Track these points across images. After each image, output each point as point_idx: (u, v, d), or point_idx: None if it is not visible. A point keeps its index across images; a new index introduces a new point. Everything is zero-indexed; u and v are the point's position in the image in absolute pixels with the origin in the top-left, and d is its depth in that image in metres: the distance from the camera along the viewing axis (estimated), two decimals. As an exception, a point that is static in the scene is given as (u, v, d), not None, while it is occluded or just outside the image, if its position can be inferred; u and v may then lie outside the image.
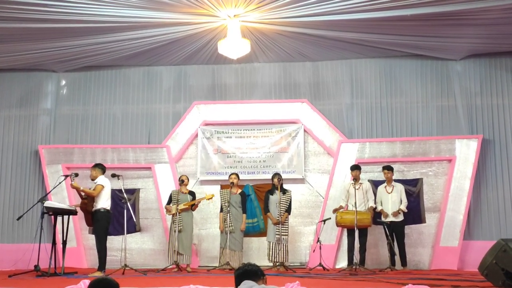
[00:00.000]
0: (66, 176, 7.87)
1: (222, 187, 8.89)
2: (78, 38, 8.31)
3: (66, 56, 9.05)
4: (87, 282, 4.84)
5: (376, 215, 8.32)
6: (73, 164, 9.24)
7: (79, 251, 9.02)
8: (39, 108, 9.77)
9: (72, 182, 7.33)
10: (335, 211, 8.18)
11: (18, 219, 7.66)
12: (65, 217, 7.53)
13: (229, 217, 8.08)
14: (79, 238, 9.07)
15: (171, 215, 8.17)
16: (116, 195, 8.29)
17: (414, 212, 8.66)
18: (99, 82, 9.85)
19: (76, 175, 7.47)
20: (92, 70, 9.81)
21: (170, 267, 8.02)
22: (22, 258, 7.95)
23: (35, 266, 7.08)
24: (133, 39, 8.46)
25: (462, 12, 7.36)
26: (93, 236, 7.78)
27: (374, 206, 8.28)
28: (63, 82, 9.88)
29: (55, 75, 9.85)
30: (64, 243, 7.46)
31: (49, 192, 8.45)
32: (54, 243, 7.27)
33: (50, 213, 7.41)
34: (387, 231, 8.08)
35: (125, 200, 7.50)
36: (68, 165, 9.25)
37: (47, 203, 7.33)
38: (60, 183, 8.06)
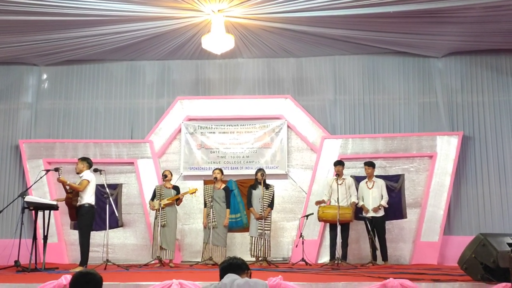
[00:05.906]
0: (47, 170, 7.80)
1: (206, 182, 8.86)
2: (59, 32, 8.20)
3: (48, 49, 8.93)
4: (68, 277, 4.80)
5: (358, 211, 8.40)
6: (55, 159, 9.14)
7: (60, 246, 8.93)
8: (20, 102, 9.63)
9: (60, 176, 7.24)
10: (317, 203, 8.25)
11: (-2, 214, 7.58)
12: (46, 212, 7.46)
13: (212, 212, 8.06)
14: (60, 234, 8.98)
15: (155, 210, 8.14)
16: (98, 190, 8.18)
17: (396, 207, 8.76)
18: (81, 76, 9.74)
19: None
20: (74, 64, 9.69)
21: (153, 262, 7.99)
22: (2, 253, 7.79)
23: (15, 262, 7.02)
24: (116, 33, 8.38)
25: (443, 10, 7.45)
26: (74, 232, 7.73)
27: (356, 201, 8.35)
28: (44, 76, 9.75)
29: (36, 69, 9.72)
30: (45, 238, 7.37)
31: (30, 187, 8.35)
32: (34, 238, 7.20)
33: (31, 208, 7.33)
34: (368, 226, 8.14)
35: (107, 195, 7.46)
36: (49, 159, 9.15)
37: (28, 198, 7.27)
38: (41, 177, 7.98)
